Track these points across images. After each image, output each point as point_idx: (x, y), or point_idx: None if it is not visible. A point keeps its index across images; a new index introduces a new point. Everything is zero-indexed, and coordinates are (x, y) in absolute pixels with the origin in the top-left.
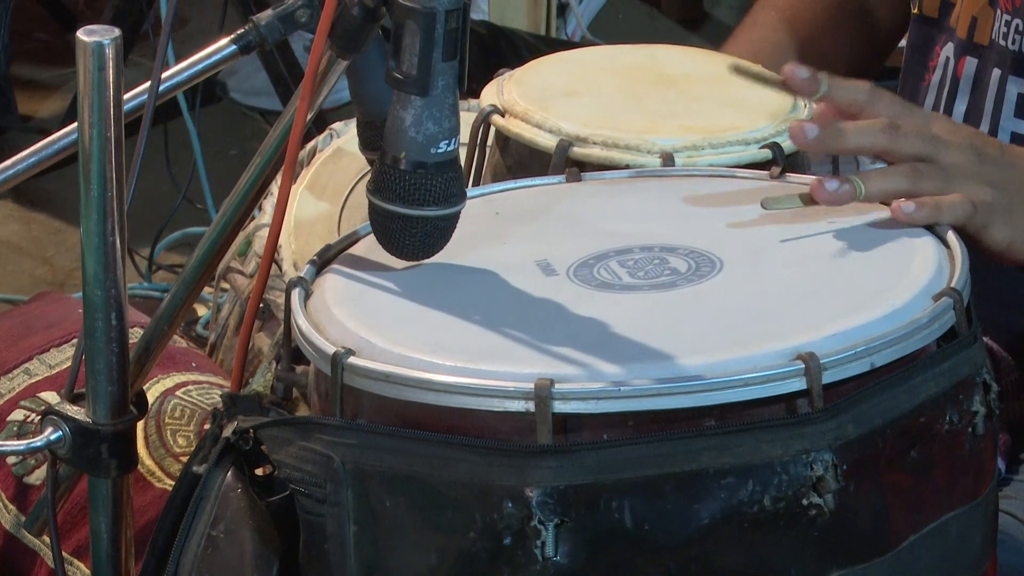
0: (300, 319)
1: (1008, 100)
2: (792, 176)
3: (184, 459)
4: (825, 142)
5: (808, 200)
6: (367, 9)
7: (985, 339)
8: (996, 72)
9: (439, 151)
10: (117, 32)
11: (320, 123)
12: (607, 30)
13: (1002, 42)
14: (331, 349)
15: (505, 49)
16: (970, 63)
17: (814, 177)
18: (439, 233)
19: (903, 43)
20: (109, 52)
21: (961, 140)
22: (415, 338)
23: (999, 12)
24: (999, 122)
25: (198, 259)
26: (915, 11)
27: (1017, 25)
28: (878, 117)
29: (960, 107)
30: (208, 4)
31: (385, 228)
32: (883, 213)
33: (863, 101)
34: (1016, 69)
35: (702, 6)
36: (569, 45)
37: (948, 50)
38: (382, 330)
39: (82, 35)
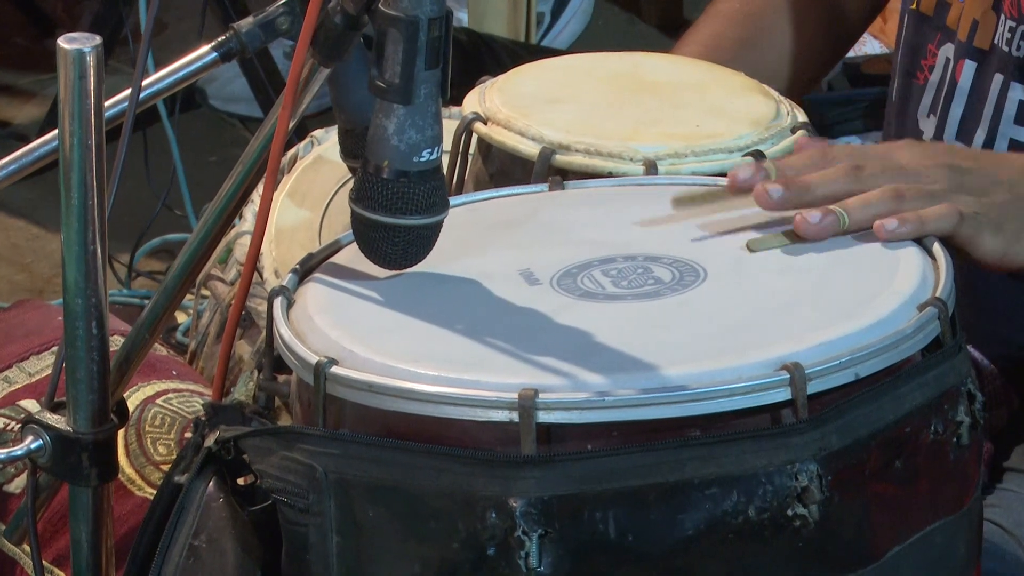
0: (282, 328)
1: (1009, 106)
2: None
3: (165, 467)
4: (791, 200)
5: (793, 237)
6: (349, 17)
7: (968, 347)
8: (997, 77)
9: (422, 160)
10: (98, 40)
11: (301, 130)
12: (587, 36)
13: (1005, 47)
14: (314, 359)
15: (485, 56)
16: (968, 67)
17: (796, 213)
18: (422, 242)
19: (876, 47)
20: (90, 60)
21: (932, 162)
22: (398, 348)
23: (1003, 17)
24: (998, 128)
25: (179, 267)
26: (912, 7)
27: (1021, 31)
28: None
29: (956, 111)
30: (187, 9)
31: (368, 237)
32: None
33: (818, 160)
34: (1018, 75)
35: (682, 12)
36: (550, 52)
37: (948, 51)
38: (365, 339)
39: (63, 43)
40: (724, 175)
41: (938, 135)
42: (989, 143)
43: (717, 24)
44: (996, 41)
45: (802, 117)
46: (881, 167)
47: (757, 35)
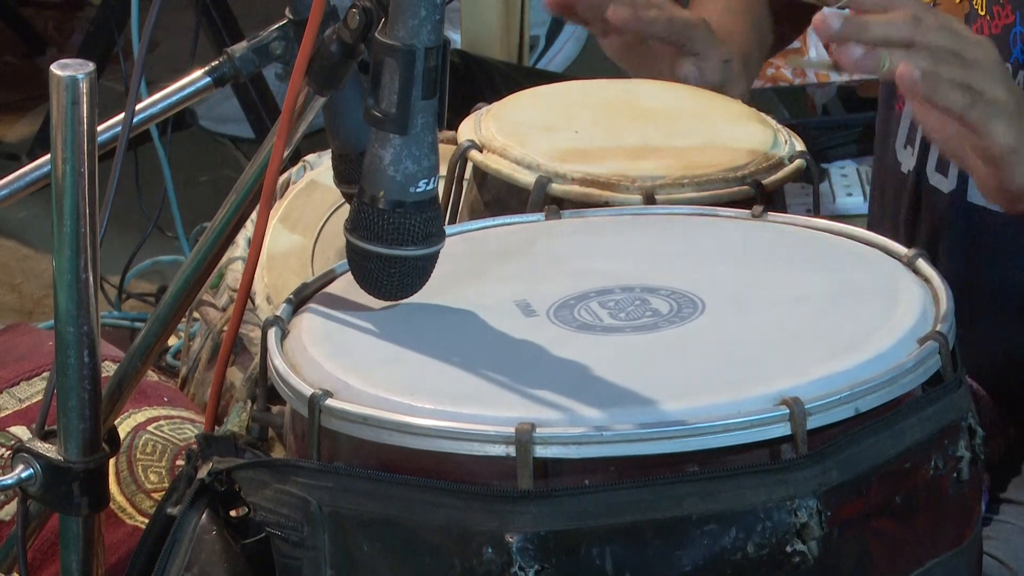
0: (277, 359)
1: None
2: (774, 215)
3: (156, 495)
4: (849, 32)
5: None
6: (346, 46)
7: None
8: None
9: (418, 190)
10: (91, 67)
11: (294, 154)
12: (581, 59)
13: None
14: (308, 391)
15: (479, 78)
16: None
17: (841, 47)
18: (417, 273)
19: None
20: (83, 87)
21: (982, 39)
22: (393, 380)
23: None
24: None
25: (172, 295)
26: None
27: None
28: (907, 10)
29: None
30: (179, 27)
31: (363, 267)
32: (869, 253)
33: (885, 2)
34: None
35: None
36: (545, 74)
37: None
38: (360, 371)
39: (56, 69)
40: (721, 204)
41: (920, 167)
42: (964, 173)
43: None
44: None
45: (800, 146)
46: (938, 24)
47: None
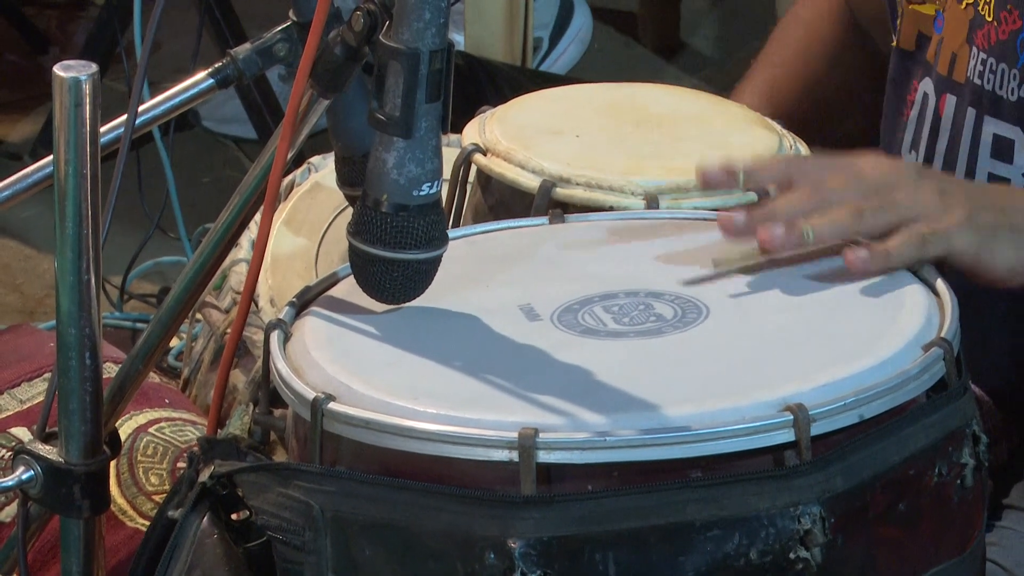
0: (279, 363)
1: (984, 140)
2: None
3: (157, 498)
4: (757, 220)
5: (756, 255)
6: (350, 48)
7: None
8: (971, 112)
9: (421, 194)
10: (94, 68)
11: (298, 156)
12: (584, 60)
13: (977, 80)
14: (311, 394)
15: (483, 80)
16: (950, 101)
17: (762, 231)
18: (420, 277)
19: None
20: (86, 88)
21: (879, 162)
22: (396, 384)
23: (975, 49)
24: (976, 162)
25: (175, 298)
26: (893, 44)
27: (991, 64)
28: (807, 182)
29: (941, 145)
30: (181, 28)
31: (366, 271)
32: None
33: (788, 174)
34: (992, 109)
35: (678, 35)
36: (549, 76)
37: (926, 85)
38: (363, 375)
39: (59, 70)
40: (726, 209)
41: None
42: (969, 177)
43: (769, 70)
44: (969, 74)
45: (804, 150)
46: (844, 182)
47: (806, 82)
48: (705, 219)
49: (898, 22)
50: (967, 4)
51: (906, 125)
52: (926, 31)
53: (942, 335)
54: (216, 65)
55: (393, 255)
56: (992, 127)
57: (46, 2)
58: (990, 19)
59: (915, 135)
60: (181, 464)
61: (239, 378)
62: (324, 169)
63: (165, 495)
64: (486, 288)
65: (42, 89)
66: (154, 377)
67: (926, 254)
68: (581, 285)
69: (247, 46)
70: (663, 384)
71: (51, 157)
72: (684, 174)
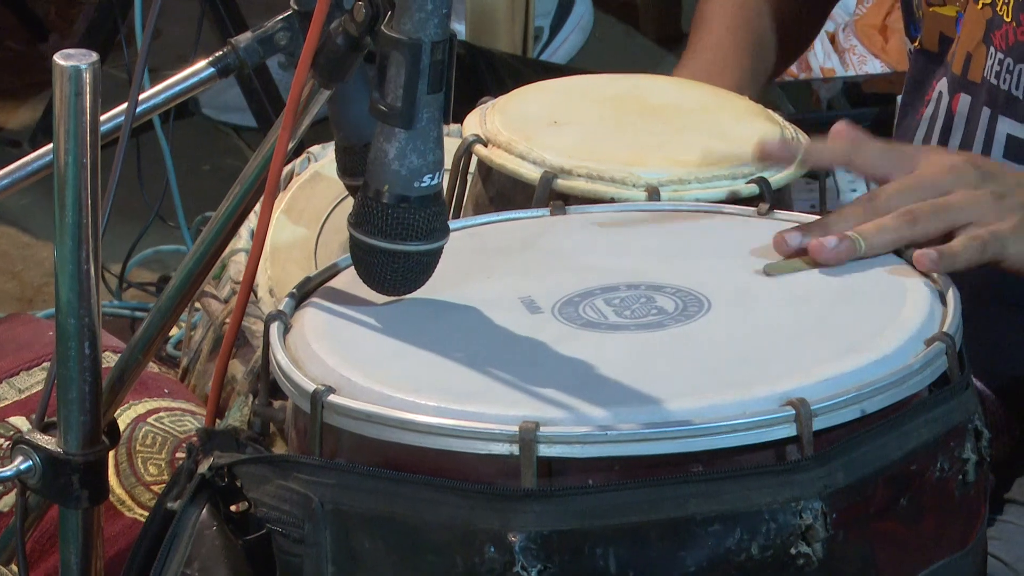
0: (279, 354)
1: (998, 140)
2: (780, 212)
3: (155, 488)
4: (844, 256)
5: (811, 262)
6: (352, 39)
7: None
8: (986, 111)
9: (423, 185)
10: (95, 57)
11: (297, 145)
12: (585, 50)
13: (993, 80)
14: (311, 386)
15: (484, 70)
16: (964, 100)
17: (813, 240)
18: (421, 268)
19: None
20: (86, 77)
21: (925, 153)
22: (397, 376)
23: (992, 49)
24: None
25: (174, 287)
26: (915, 45)
27: (1008, 64)
28: (866, 164)
29: (954, 143)
30: (182, 15)
31: (366, 262)
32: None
33: (846, 155)
34: (1006, 108)
35: (679, 24)
36: (550, 66)
37: (942, 85)
38: (363, 367)
39: (59, 59)
40: (727, 201)
41: None
42: None
43: (715, 35)
44: (985, 74)
45: (805, 141)
46: (896, 188)
47: (753, 40)
48: (707, 211)
49: (917, 23)
50: (984, 4)
51: (919, 123)
52: (948, 32)
53: (944, 330)
54: (217, 54)
55: (394, 246)
56: (1006, 127)
57: None
58: (1008, 20)
59: (927, 132)
60: (180, 454)
61: (238, 368)
62: (324, 158)
63: (164, 485)
64: (487, 280)
65: (42, 76)
66: (153, 367)
67: (986, 256)
68: (582, 277)
69: (248, 35)
70: (664, 378)
71: (51, 146)
72: (686, 165)
